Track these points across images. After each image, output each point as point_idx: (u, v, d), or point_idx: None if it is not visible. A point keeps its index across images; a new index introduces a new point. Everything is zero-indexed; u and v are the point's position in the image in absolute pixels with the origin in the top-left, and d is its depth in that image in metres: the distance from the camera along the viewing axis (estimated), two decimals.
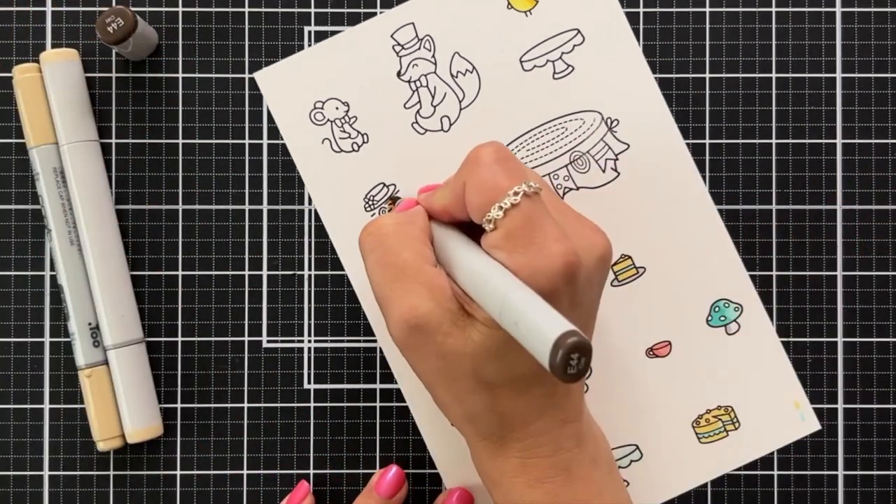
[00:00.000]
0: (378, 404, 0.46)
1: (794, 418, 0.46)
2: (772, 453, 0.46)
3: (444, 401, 0.39)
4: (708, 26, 0.47)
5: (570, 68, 0.46)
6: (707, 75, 0.47)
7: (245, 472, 0.46)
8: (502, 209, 0.36)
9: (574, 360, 0.30)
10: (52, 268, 0.46)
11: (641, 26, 0.47)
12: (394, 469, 0.45)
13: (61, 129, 0.45)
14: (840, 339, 0.46)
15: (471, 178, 0.37)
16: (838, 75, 0.47)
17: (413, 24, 0.46)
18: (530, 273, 0.35)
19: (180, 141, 0.46)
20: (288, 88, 0.46)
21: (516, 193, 0.36)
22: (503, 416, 0.37)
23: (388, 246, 0.38)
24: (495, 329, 0.36)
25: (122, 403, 0.45)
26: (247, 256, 0.46)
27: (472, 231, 0.39)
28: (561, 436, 0.38)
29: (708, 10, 0.47)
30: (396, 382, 0.46)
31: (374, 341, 0.46)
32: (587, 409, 0.41)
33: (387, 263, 0.38)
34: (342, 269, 0.46)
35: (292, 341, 0.46)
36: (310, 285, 0.46)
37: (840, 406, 0.46)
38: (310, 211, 0.46)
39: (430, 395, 0.39)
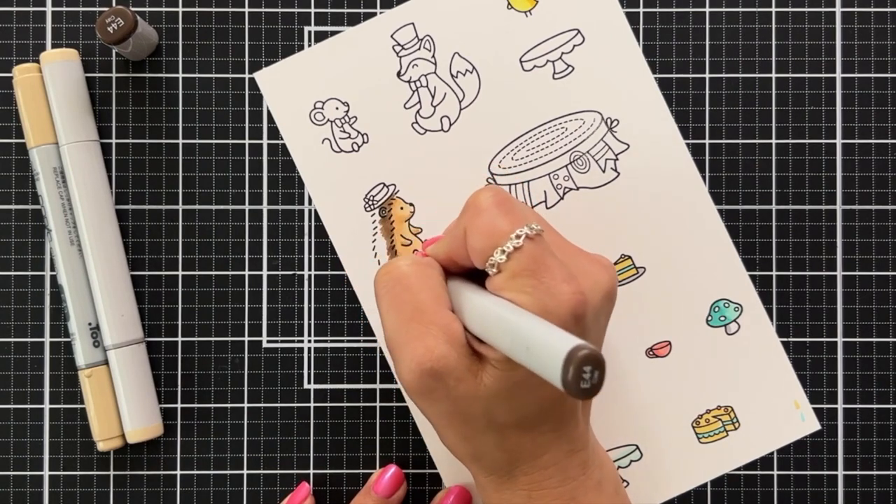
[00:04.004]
0: (378, 404, 0.46)
1: (794, 418, 0.46)
2: (772, 453, 0.46)
3: (452, 441, 0.38)
4: (708, 26, 0.47)
5: (570, 68, 0.46)
6: (707, 75, 0.47)
7: (245, 472, 0.46)
8: (505, 252, 0.35)
9: (587, 373, 0.29)
10: (52, 268, 0.46)
11: (641, 26, 0.47)
12: (392, 469, 0.45)
13: (61, 129, 0.45)
14: (840, 339, 0.46)
15: (471, 223, 0.37)
16: (838, 75, 0.47)
17: (413, 24, 0.46)
18: (539, 314, 0.34)
19: (180, 141, 0.46)
20: (288, 88, 0.46)
21: (518, 236, 0.35)
22: (511, 452, 0.37)
23: (405, 286, 0.38)
24: (506, 371, 0.35)
25: (122, 403, 0.45)
26: (247, 256, 0.46)
27: (478, 279, 0.39)
28: (568, 466, 0.38)
29: (708, 10, 0.47)
30: (396, 382, 0.46)
31: (374, 341, 0.46)
32: (593, 434, 0.41)
33: (404, 302, 0.37)
34: (342, 269, 0.46)
35: (292, 341, 0.46)
36: (310, 285, 0.46)
37: (840, 406, 0.46)
38: (310, 211, 0.46)
39: (438, 435, 0.39)
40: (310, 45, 0.46)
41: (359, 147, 0.46)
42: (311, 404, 0.46)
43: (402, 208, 0.46)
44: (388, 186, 0.46)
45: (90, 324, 0.45)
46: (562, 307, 0.35)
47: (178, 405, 0.46)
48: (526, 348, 0.32)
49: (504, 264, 0.36)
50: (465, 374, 0.36)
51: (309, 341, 0.46)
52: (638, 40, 0.46)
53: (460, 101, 0.46)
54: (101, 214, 0.45)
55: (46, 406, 0.46)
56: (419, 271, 0.38)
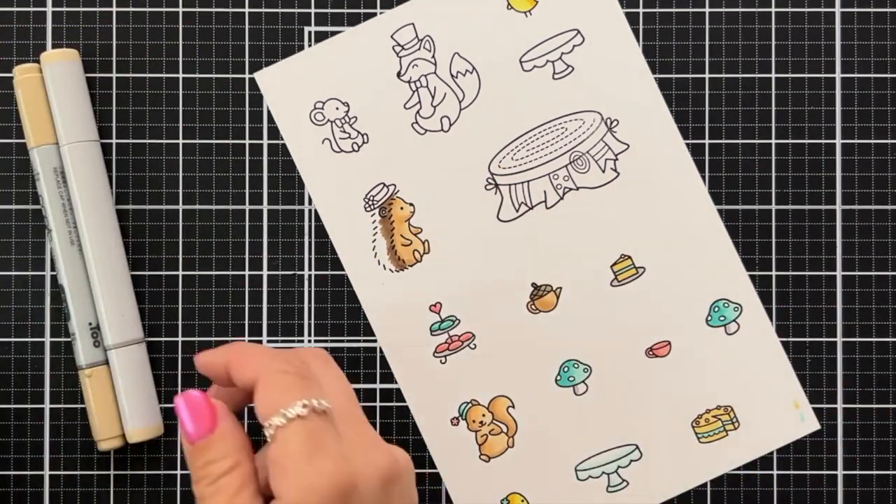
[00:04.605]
0: (378, 404, 0.46)
1: (794, 418, 0.46)
2: (771, 453, 0.46)
3: None
4: (708, 26, 0.47)
5: (570, 68, 0.46)
6: (707, 75, 0.47)
7: None
8: (286, 417, 0.34)
9: None
10: (53, 268, 0.46)
11: (641, 26, 0.47)
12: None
13: (61, 129, 0.45)
14: (839, 339, 0.46)
15: (269, 375, 0.36)
16: (838, 75, 0.47)
17: (413, 24, 0.46)
18: (303, 490, 0.33)
19: (180, 141, 0.46)
20: (288, 88, 0.46)
21: (305, 406, 0.35)
22: None
23: None
24: None
25: (123, 403, 0.45)
26: (247, 256, 0.46)
27: None
28: None
29: (708, 10, 0.47)
30: (396, 382, 0.46)
31: (374, 341, 0.46)
32: None
33: None
34: (342, 269, 0.46)
35: (292, 341, 0.46)
36: (310, 285, 0.46)
37: (839, 406, 0.46)
38: (310, 211, 0.46)
39: None
40: (310, 45, 0.46)
41: (359, 147, 0.46)
42: None
43: (402, 208, 0.46)
44: (388, 186, 0.46)
45: (90, 324, 0.45)
46: (322, 488, 0.34)
47: None
48: None
49: (281, 428, 0.34)
50: None
51: (309, 341, 0.46)
52: (638, 40, 0.47)
53: (460, 101, 0.46)
54: (101, 214, 0.45)
55: (46, 406, 0.46)
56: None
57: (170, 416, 0.46)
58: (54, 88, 0.45)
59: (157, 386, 0.46)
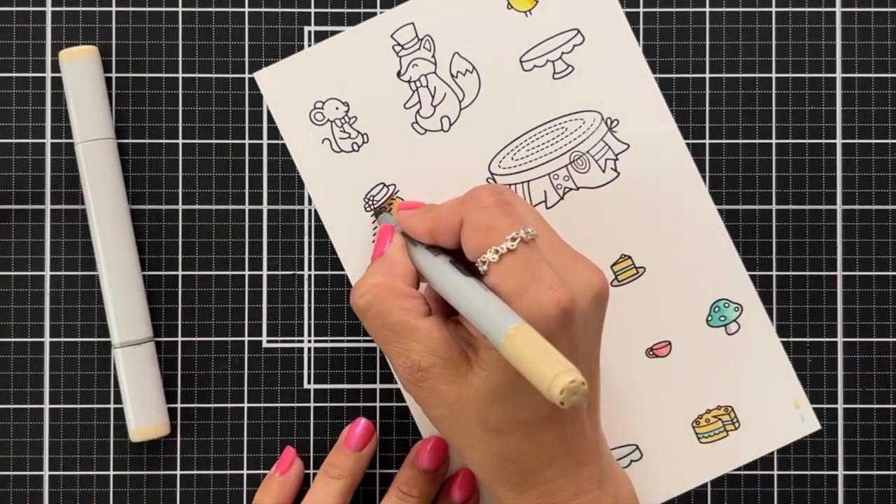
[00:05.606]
0: (378, 404, 0.46)
1: (794, 418, 0.46)
2: (772, 453, 0.46)
3: (457, 447, 0.39)
4: (708, 26, 0.47)
5: (570, 68, 0.46)
6: (707, 75, 0.47)
7: (245, 472, 0.46)
8: (498, 253, 0.36)
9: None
10: (53, 268, 0.46)
11: (641, 26, 0.47)
12: (362, 422, 0.45)
13: (77, 126, 0.45)
14: (840, 339, 0.46)
15: (470, 217, 0.37)
16: (838, 75, 0.47)
17: (413, 24, 0.46)
18: (525, 319, 0.34)
19: (180, 141, 0.46)
20: (288, 88, 0.46)
21: (514, 239, 0.36)
22: (514, 462, 0.37)
23: (377, 311, 0.38)
24: (494, 373, 0.36)
25: (128, 402, 0.44)
26: (247, 256, 0.46)
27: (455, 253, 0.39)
28: (580, 478, 0.37)
29: (708, 10, 0.47)
30: (396, 382, 0.46)
31: (374, 341, 0.46)
32: (608, 449, 0.40)
33: (381, 327, 0.39)
34: (342, 269, 0.46)
35: (292, 341, 0.46)
36: (310, 285, 0.46)
37: (840, 406, 0.46)
38: (310, 211, 0.46)
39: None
40: (310, 45, 0.46)
41: (359, 147, 0.46)
42: (311, 404, 0.46)
43: None
44: (388, 186, 0.46)
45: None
46: (547, 314, 0.35)
47: (179, 405, 0.46)
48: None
49: (495, 265, 0.36)
50: (454, 378, 0.37)
51: (309, 341, 0.46)
52: (638, 40, 0.46)
53: (460, 101, 0.46)
54: (115, 212, 0.45)
55: (46, 406, 0.46)
56: (386, 291, 0.39)
57: (169, 416, 0.46)
58: (72, 86, 0.45)
59: None
